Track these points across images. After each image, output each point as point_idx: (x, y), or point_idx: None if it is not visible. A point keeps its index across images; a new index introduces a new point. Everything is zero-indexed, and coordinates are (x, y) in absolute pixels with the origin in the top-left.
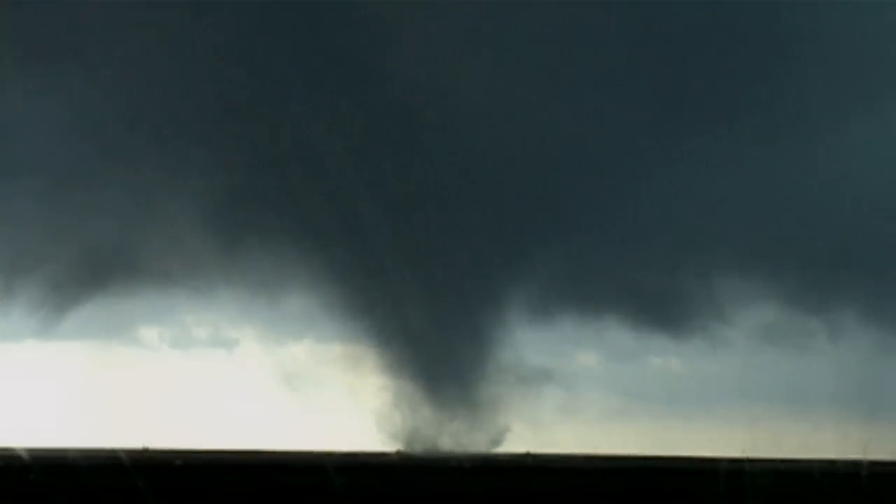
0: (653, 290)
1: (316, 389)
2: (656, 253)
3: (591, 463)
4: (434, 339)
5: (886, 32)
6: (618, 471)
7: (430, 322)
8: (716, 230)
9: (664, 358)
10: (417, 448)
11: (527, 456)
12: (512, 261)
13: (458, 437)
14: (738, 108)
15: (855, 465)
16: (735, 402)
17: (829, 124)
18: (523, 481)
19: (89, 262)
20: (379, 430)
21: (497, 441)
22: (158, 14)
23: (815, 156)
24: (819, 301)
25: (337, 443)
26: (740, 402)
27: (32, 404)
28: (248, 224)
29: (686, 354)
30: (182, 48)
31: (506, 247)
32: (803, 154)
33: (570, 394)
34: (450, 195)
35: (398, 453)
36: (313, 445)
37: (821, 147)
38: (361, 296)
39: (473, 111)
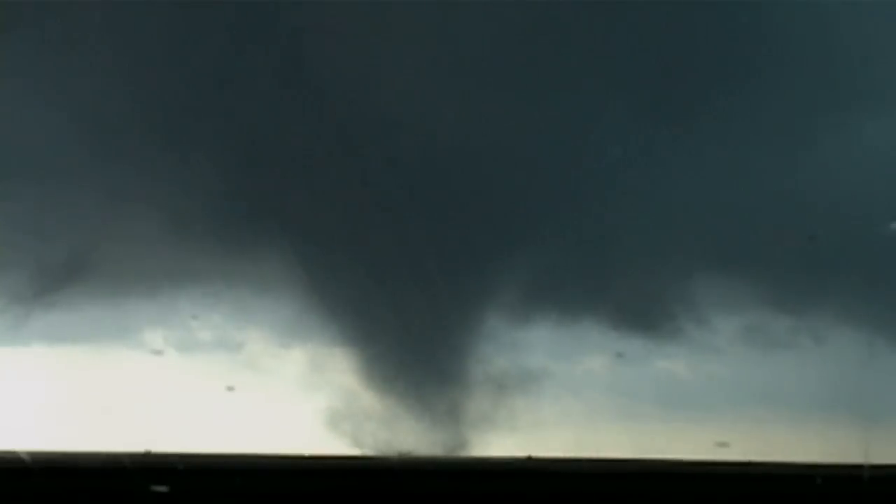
0: (634, 294)
1: (316, 393)
2: (638, 258)
3: (592, 466)
4: (421, 345)
5: (862, 50)
6: (619, 474)
7: (420, 329)
8: (699, 236)
9: (645, 361)
10: (411, 452)
11: (528, 459)
12: (494, 265)
13: (446, 441)
14: (720, 116)
15: (841, 468)
16: (715, 404)
17: (811, 132)
18: (525, 484)
19: (91, 266)
20: (361, 434)
21: (479, 444)
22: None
23: (794, 164)
24: (798, 304)
25: (336, 447)
26: (719, 404)
27: (36, 408)
28: (242, 228)
29: (666, 358)
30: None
31: (489, 251)
32: (783, 162)
33: (548, 397)
34: (431, 200)
35: (400, 457)
36: (315, 449)
37: (801, 155)
38: (356, 301)
39: (444, 117)
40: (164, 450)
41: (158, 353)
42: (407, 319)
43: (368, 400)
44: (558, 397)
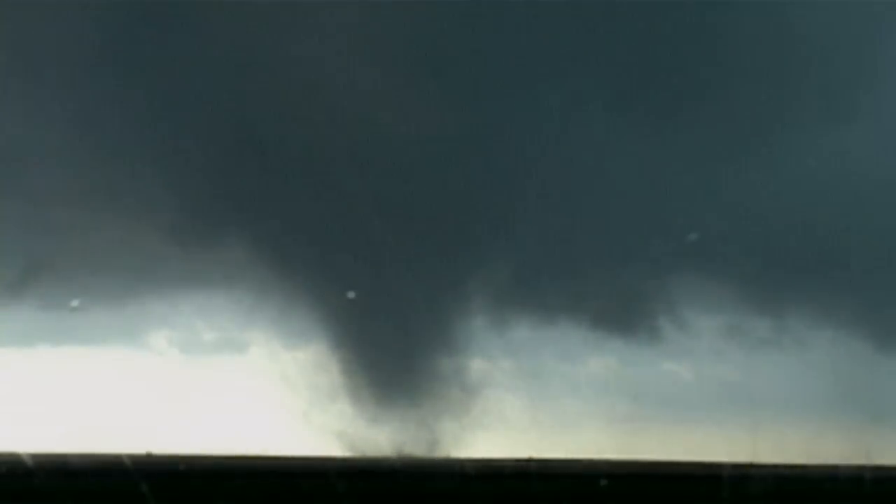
0: (609, 295)
1: (318, 394)
2: (612, 258)
3: (593, 468)
4: (415, 347)
5: (829, 57)
6: (620, 476)
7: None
8: (679, 237)
9: (618, 361)
10: (407, 451)
11: (529, 461)
12: (471, 266)
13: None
14: (700, 116)
15: (841, 469)
16: (710, 405)
17: (790, 134)
18: (525, 486)
19: (93, 266)
20: (359, 436)
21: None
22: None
23: (770, 164)
24: (774, 304)
25: (336, 448)
26: (714, 405)
27: (39, 409)
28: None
29: (642, 358)
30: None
31: (464, 251)
32: (761, 163)
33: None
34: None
35: (400, 457)
36: (316, 451)
37: (782, 155)
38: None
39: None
40: (165, 451)
41: (163, 354)
42: (396, 319)
43: (365, 402)
44: (552, 398)
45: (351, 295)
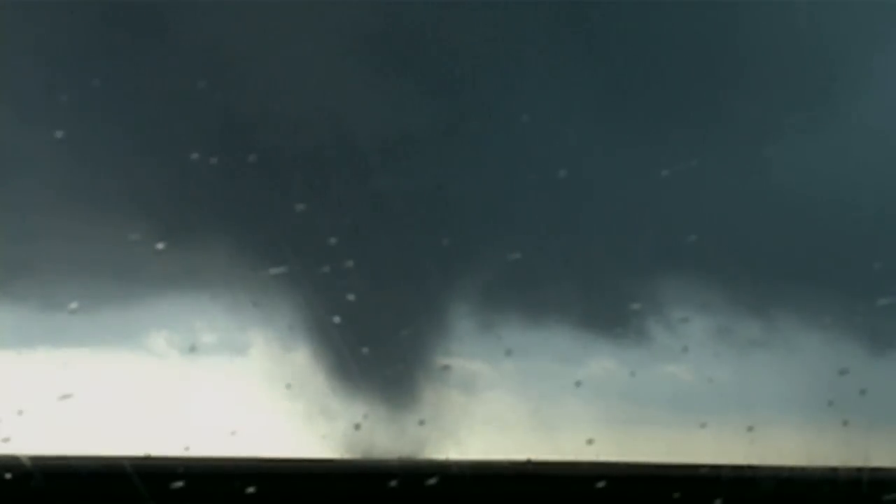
0: (598, 296)
1: (316, 396)
2: (600, 260)
3: (592, 470)
4: (412, 349)
5: (813, 54)
6: (618, 478)
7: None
8: (669, 238)
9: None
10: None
11: (527, 462)
12: (460, 267)
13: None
14: (693, 116)
15: (840, 471)
16: (693, 407)
17: (778, 135)
18: (523, 487)
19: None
20: (356, 437)
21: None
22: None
23: (766, 166)
24: (762, 307)
25: (334, 450)
26: (710, 406)
27: (38, 410)
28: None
29: (628, 360)
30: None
31: (452, 251)
32: (756, 164)
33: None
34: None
35: (399, 459)
36: (316, 453)
37: (771, 156)
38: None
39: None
40: (164, 453)
41: (162, 356)
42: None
43: (363, 403)
44: (550, 399)
45: (350, 297)
